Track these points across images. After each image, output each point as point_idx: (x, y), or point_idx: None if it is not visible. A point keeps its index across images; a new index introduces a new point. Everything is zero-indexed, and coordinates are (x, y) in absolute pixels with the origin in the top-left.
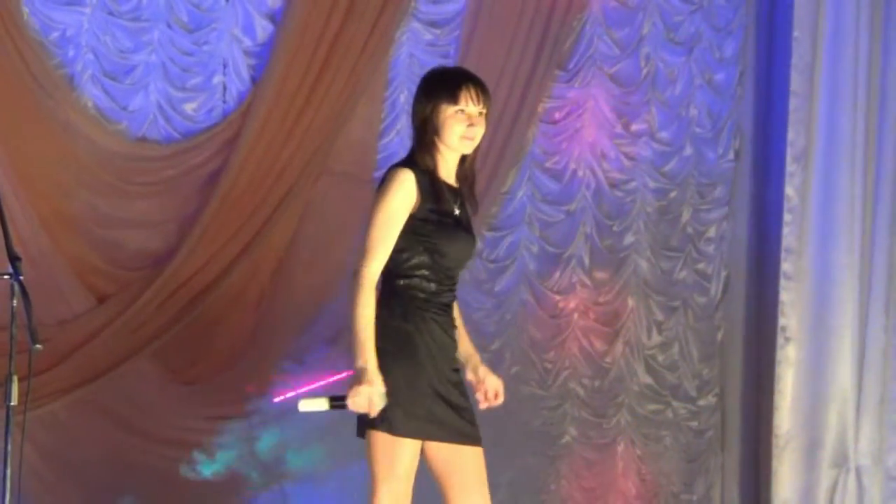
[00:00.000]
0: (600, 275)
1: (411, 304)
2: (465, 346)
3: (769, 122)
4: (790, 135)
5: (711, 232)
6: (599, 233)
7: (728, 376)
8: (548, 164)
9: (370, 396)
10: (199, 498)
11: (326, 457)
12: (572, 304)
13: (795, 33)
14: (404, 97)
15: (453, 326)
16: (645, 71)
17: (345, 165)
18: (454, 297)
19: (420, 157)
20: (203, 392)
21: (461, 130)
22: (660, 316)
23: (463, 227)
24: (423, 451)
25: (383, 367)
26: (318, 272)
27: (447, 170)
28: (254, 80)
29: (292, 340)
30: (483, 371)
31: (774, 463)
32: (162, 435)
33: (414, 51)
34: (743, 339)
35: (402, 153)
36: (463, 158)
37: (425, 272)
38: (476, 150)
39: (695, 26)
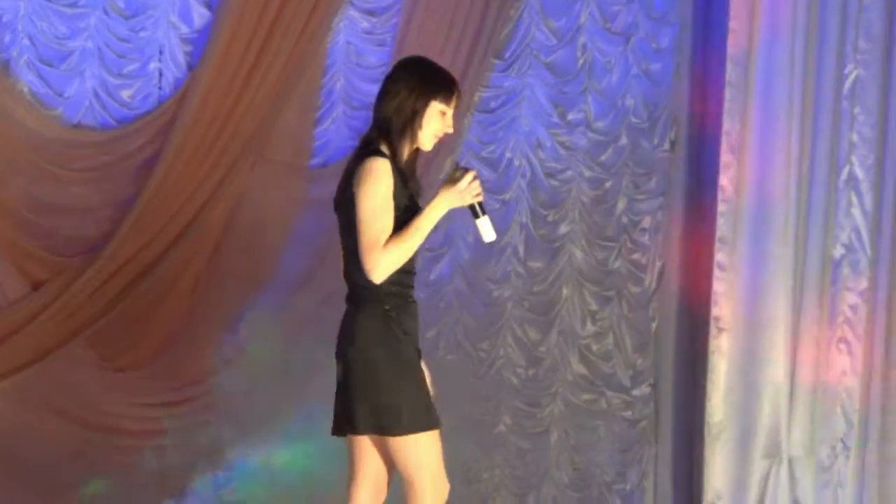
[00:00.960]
0: (535, 264)
1: (392, 303)
2: None
3: (705, 113)
4: (725, 126)
5: (646, 222)
6: (534, 222)
7: (662, 366)
8: (483, 153)
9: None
10: (140, 485)
11: (263, 442)
12: (507, 293)
13: (732, 24)
14: (341, 85)
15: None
16: (581, 60)
17: (280, 153)
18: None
19: (398, 145)
20: (138, 378)
21: (438, 130)
22: (594, 306)
23: None
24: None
25: (385, 376)
26: (254, 258)
27: (403, 160)
28: (190, 66)
29: (226, 327)
30: None
31: (707, 453)
32: (98, 422)
33: (351, 38)
34: (677, 329)
35: (338, 142)
36: (416, 149)
37: (406, 267)
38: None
39: (632, 16)
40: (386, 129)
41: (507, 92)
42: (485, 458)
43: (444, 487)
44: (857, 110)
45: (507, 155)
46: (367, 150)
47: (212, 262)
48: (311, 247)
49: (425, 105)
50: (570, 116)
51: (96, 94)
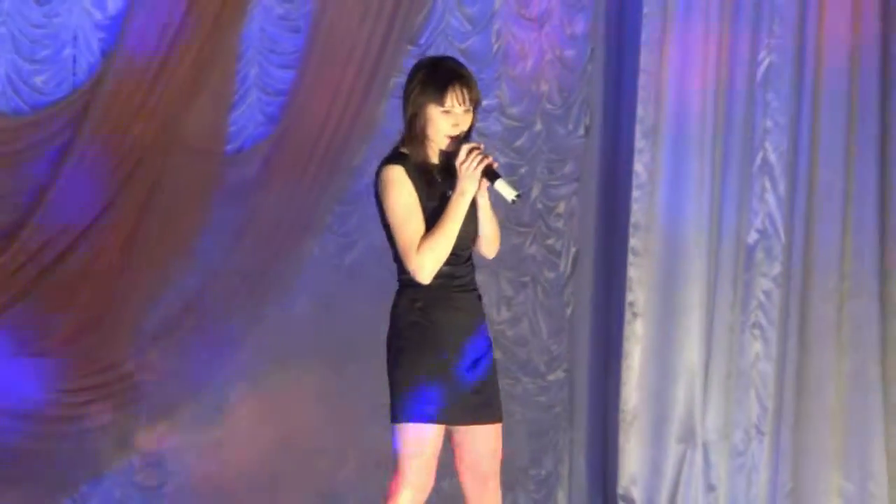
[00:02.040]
0: None
1: (422, 295)
2: None
3: (619, 99)
4: (639, 111)
5: (561, 208)
6: None
7: (577, 352)
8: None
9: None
10: (55, 470)
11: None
12: None
13: (645, 10)
14: (255, 71)
15: (475, 299)
16: (496, 46)
17: (195, 139)
18: (467, 276)
19: (410, 148)
20: (53, 365)
21: (446, 130)
22: (509, 291)
23: None
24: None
25: (395, 364)
26: (169, 245)
27: (436, 153)
28: (104, 52)
29: (142, 313)
30: None
31: (622, 438)
32: (13, 407)
33: (265, 25)
34: (592, 314)
35: (252, 128)
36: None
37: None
38: (470, 129)
39: (546, 2)
40: (405, 134)
41: None
42: None
43: (425, 481)
44: (770, 97)
45: None
46: (388, 155)
47: (126, 249)
48: (227, 232)
49: (421, 108)
50: (485, 102)
51: (9, 80)
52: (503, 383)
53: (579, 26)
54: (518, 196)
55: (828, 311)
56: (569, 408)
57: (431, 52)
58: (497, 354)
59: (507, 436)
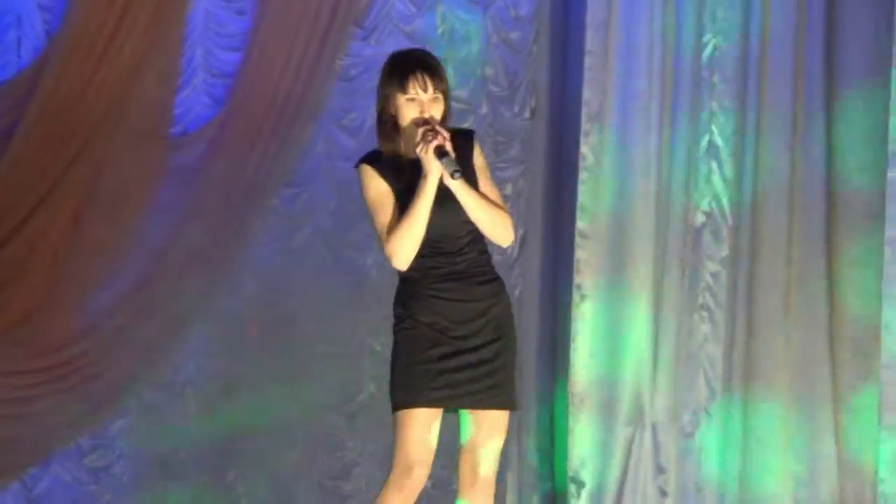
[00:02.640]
0: None
1: (406, 289)
2: None
3: (565, 81)
4: (585, 94)
5: (508, 190)
6: None
7: (525, 334)
8: (345, 121)
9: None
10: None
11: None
12: (370, 261)
13: None
14: (200, 53)
15: (476, 285)
16: (441, 29)
17: (140, 121)
18: (462, 263)
19: (382, 142)
20: None
21: (413, 117)
22: None
23: (442, 196)
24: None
25: (392, 356)
26: (114, 227)
27: (409, 145)
28: (49, 34)
29: (86, 297)
30: None
31: (571, 420)
32: None
33: (209, 6)
34: (539, 296)
35: (198, 110)
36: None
37: (421, 252)
38: (445, 121)
39: None
40: (377, 128)
41: (367, 60)
42: (349, 426)
43: (415, 469)
44: (716, 79)
45: (369, 122)
46: (363, 155)
47: (71, 232)
48: (172, 215)
49: (387, 99)
50: None
51: None
52: None
53: (524, 8)
54: (456, 172)
55: (775, 293)
56: (518, 390)
57: (376, 35)
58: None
59: (455, 417)
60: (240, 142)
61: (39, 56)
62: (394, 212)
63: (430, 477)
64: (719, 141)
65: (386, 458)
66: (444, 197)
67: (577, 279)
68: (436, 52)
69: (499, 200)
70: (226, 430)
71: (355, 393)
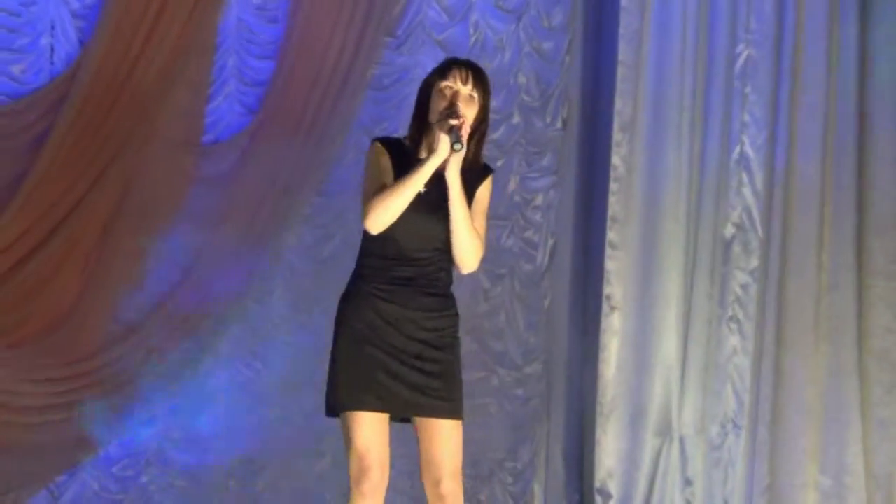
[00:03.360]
0: None
1: (353, 286)
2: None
3: (597, 91)
4: (617, 104)
5: (539, 200)
6: None
7: (554, 344)
8: (376, 131)
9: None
10: (31, 462)
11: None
12: None
13: (623, 2)
14: (232, 61)
15: (420, 296)
16: (473, 38)
17: (172, 129)
18: (419, 272)
19: (410, 126)
20: (28, 355)
21: (440, 105)
22: (486, 283)
23: (424, 207)
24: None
25: (331, 356)
26: (145, 237)
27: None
28: (82, 42)
29: (118, 305)
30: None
31: (598, 431)
32: None
33: (242, 15)
34: (569, 307)
35: (230, 119)
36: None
37: (375, 247)
38: (478, 135)
39: None
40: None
41: (399, 69)
42: None
43: (370, 473)
44: (748, 90)
45: (401, 132)
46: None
47: (102, 240)
48: (203, 223)
49: (426, 85)
50: None
51: None
52: (479, 375)
53: (557, 18)
54: (457, 143)
55: (805, 305)
56: (546, 400)
57: (409, 44)
58: (474, 346)
59: (483, 427)
60: (271, 151)
61: (72, 64)
62: (388, 182)
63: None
64: (750, 152)
65: (413, 469)
66: (433, 205)
67: (606, 290)
68: None
69: (482, 234)
70: (255, 440)
71: None
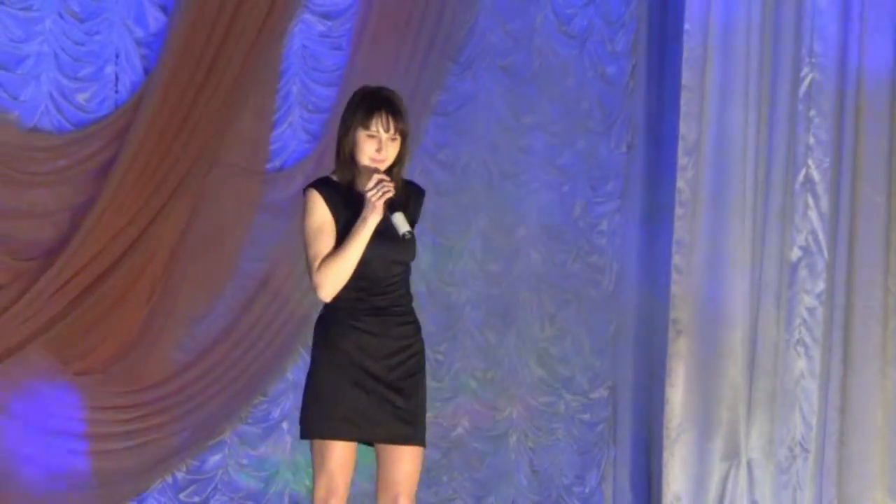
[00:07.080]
0: (492, 267)
1: (331, 316)
2: None
3: (661, 116)
4: (682, 128)
5: (604, 225)
6: (492, 225)
7: (620, 369)
8: (440, 156)
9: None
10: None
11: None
12: (465, 297)
13: (686, 26)
14: (297, 88)
15: (396, 325)
16: (537, 63)
17: (236, 157)
18: (386, 300)
19: (338, 170)
20: (96, 382)
21: (371, 153)
22: (552, 308)
23: (380, 235)
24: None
25: (306, 383)
26: (210, 264)
27: (362, 179)
28: (146, 70)
29: (183, 332)
30: None
31: (665, 455)
32: (54, 426)
33: (306, 42)
34: (635, 331)
35: (295, 145)
36: (389, 170)
37: (348, 284)
38: (400, 162)
39: (587, 19)
40: (336, 157)
41: (463, 95)
42: (444, 460)
43: (334, 492)
44: (812, 113)
45: (464, 158)
46: (314, 179)
47: (168, 267)
48: (268, 251)
49: (349, 130)
50: (526, 119)
51: (52, 98)
52: (546, 400)
53: (621, 43)
54: (409, 233)
55: (872, 328)
56: (612, 425)
57: (473, 70)
58: (540, 371)
59: (550, 452)
60: None
61: (137, 92)
62: (330, 242)
63: None
64: (816, 175)
65: (482, 494)
66: (382, 235)
67: (672, 314)
68: (532, 87)
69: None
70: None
71: (450, 428)
